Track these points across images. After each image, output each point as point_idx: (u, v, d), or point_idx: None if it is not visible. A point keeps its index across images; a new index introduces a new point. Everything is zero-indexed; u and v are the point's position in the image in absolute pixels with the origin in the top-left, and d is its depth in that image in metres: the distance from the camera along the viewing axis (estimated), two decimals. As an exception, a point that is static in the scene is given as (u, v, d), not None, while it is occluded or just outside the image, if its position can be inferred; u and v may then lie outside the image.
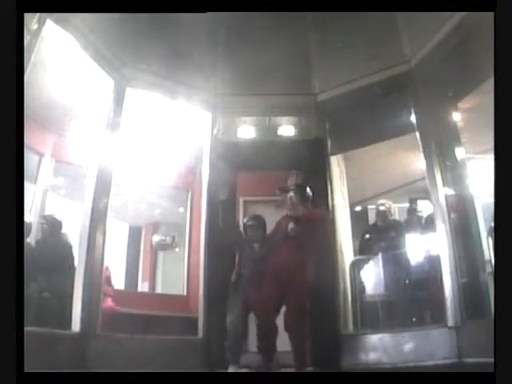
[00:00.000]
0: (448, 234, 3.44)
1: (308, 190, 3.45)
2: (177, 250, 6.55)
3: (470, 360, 2.93)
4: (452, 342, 3.17)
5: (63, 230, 4.14)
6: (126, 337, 3.46)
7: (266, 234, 3.47)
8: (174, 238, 6.60)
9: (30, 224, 4.35)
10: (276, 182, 3.60)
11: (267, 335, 3.10)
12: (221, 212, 4.19)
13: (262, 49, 4.34)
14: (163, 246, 6.76)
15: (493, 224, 3.62)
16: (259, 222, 3.52)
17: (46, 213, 4.95)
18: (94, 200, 3.48)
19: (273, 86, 4.44)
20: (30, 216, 4.70)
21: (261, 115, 4.62)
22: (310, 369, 3.10)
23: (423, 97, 3.85)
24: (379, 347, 3.59)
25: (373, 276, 4.43)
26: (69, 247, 3.80)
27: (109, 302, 4.13)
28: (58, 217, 4.22)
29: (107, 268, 4.58)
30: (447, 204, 3.52)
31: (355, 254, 4.55)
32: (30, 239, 4.22)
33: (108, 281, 4.54)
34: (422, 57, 3.82)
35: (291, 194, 3.34)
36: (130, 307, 4.66)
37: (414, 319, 4.10)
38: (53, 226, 4.10)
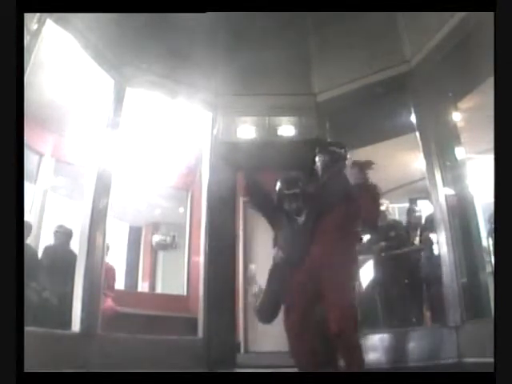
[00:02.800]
0: (448, 233, 3.44)
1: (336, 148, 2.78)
2: (177, 250, 6.56)
3: (470, 360, 2.93)
4: (452, 342, 3.17)
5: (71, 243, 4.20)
6: (126, 337, 3.46)
7: (307, 202, 2.67)
8: (174, 237, 6.61)
9: (35, 226, 4.43)
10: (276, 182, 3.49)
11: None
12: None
13: (262, 49, 4.35)
14: (163, 246, 6.78)
15: (493, 224, 3.63)
16: (299, 187, 2.69)
17: (48, 214, 4.99)
18: (93, 200, 3.47)
19: (273, 85, 4.45)
20: (31, 217, 4.71)
21: (261, 115, 4.62)
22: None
23: (423, 97, 3.85)
24: (379, 347, 3.59)
25: (373, 276, 4.44)
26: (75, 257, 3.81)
27: (109, 302, 4.14)
28: (71, 228, 4.26)
29: (112, 268, 4.61)
30: (447, 204, 3.51)
31: (355, 254, 4.54)
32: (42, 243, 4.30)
33: (112, 282, 4.56)
34: (422, 57, 3.81)
35: (317, 158, 2.77)
36: (130, 307, 4.66)
37: (413, 319, 4.10)
38: (66, 235, 4.20)
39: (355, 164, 2.73)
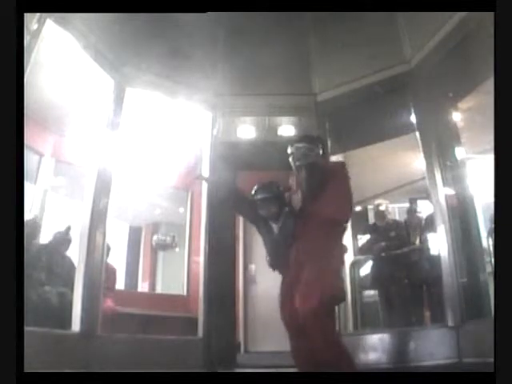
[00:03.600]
0: (448, 233, 3.44)
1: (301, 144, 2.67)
2: (177, 250, 6.56)
3: (470, 360, 2.93)
4: (452, 342, 3.17)
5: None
6: (126, 337, 3.47)
7: (283, 207, 2.62)
8: (173, 237, 6.61)
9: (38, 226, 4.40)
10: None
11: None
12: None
13: (262, 49, 4.34)
14: (163, 246, 6.77)
15: (493, 224, 3.63)
16: (272, 191, 2.65)
17: (48, 214, 4.98)
18: (93, 200, 3.47)
19: (273, 85, 4.44)
20: (31, 216, 4.71)
21: (261, 115, 4.62)
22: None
23: (423, 97, 3.85)
24: (379, 347, 3.59)
25: (373, 276, 4.44)
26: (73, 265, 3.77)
27: (109, 302, 4.14)
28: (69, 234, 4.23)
29: (113, 269, 4.60)
30: (447, 204, 3.52)
31: (355, 254, 4.55)
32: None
33: (112, 283, 4.56)
34: (422, 57, 3.82)
35: (290, 159, 2.68)
36: (130, 307, 4.66)
37: (413, 319, 4.10)
38: (65, 241, 4.16)
39: (320, 158, 2.65)
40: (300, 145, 2.67)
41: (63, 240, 4.18)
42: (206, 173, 4.34)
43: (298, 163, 2.62)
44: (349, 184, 2.57)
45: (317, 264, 2.34)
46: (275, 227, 2.61)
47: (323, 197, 2.44)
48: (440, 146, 3.70)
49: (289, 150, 2.71)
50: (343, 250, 2.60)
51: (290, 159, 2.70)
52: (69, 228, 4.10)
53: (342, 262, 2.65)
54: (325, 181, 2.47)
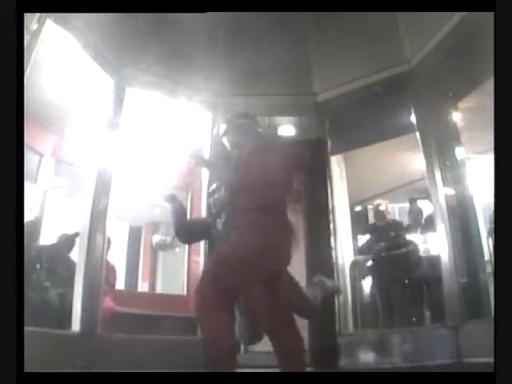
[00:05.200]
0: (448, 233, 3.44)
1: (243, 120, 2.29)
2: (177, 250, 6.56)
3: (470, 360, 2.93)
4: (452, 342, 3.17)
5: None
6: (126, 337, 3.47)
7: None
8: (174, 238, 6.61)
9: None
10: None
11: None
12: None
13: (261, 49, 4.34)
14: (163, 246, 6.78)
15: (493, 224, 3.63)
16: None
17: (48, 214, 4.98)
18: (93, 200, 3.48)
19: (273, 85, 4.45)
20: (32, 216, 4.71)
21: (261, 115, 4.61)
22: (309, 369, 3.09)
23: (423, 97, 3.85)
24: (379, 347, 3.59)
25: (373, 276, 4.44)
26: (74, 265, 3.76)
27: (109, 302, 4.14)
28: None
29: (113, 268, 4.60)
30: (447, 204, 3.52)
31: (355, 254, 4.55)
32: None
33: (113, 282, 4.55)
34: (422, 57, 3.82)
35: (224, 138, 2.31)
36: (130, 307, 4.66)
37: (414, 319, 4.11)
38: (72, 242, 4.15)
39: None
40: (244, 121, 2.29)
41: (68, 242, 4.17)
42: (205, 172, 4.34)
43: (240, 140, 2.23)
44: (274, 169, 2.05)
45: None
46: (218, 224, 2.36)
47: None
48: (440, 146, 3.70)
49: (224, 129, 2.31)
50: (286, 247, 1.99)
51: (225, 139, 2.33)
52: (76, 234, 4.04)
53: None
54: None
